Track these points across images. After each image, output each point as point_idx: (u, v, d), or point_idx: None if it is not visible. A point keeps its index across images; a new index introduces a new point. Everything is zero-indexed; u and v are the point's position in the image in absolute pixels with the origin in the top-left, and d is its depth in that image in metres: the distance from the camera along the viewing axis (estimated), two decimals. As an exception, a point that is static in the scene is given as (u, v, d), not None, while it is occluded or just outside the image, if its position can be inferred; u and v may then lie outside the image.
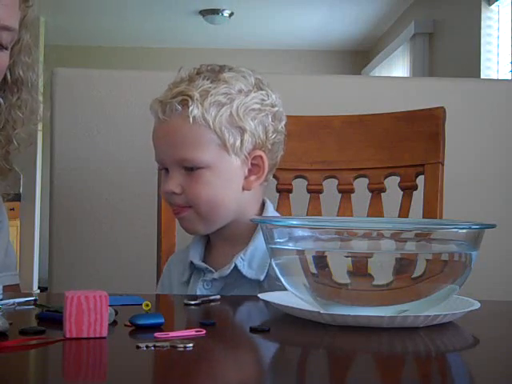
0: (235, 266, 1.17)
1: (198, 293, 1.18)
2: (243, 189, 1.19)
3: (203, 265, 1.21)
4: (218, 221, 1.19)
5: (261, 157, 1.19)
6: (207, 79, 1.17)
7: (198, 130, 1.15)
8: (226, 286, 1.18)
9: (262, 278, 1.16)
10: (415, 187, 1.45)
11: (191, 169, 1.16)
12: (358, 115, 1.51)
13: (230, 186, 1.18)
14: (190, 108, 1.14)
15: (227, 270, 1.17)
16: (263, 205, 1.24)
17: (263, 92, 1.19)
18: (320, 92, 1.82)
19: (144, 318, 0.81)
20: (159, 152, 1.20)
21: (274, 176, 1.38)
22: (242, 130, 1.16)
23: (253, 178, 1.20)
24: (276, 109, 1.21)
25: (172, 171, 1.17)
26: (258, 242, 1.16)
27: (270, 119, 1.19)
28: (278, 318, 0.90)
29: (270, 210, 1.25)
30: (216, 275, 1.18)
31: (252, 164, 1.19)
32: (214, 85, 1.16)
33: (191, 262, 1.22)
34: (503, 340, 0.82)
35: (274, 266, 0.91)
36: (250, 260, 1.17)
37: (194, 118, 1.14)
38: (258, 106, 1.18)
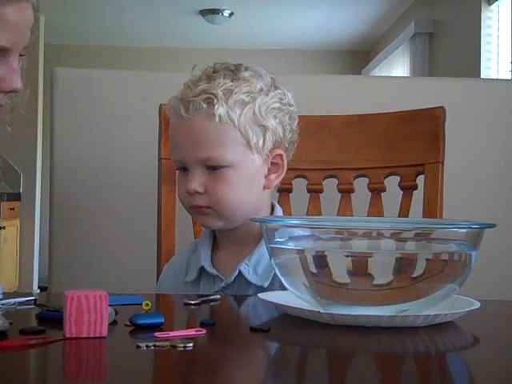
0: (240, 272, 1.16)
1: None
2: (264, 188, 1.20)
3: (215, 272, 1.19)
4: (238, 220, 1.18)
5: (280, 155, 1.20)
6: (227, 78, 1.16)
7: (222, 128, 1.14)
8: (237, 292, 1.17)
9: (266, 284, 1.15)
10: (415, 187, 1.45)
11: (214, 168, 1.15)
12: (357, 115, 1.51)
13: (252, 185, 1.18)
14: (216, 106, 1.13)
15: (232, 277, 1.17)
16: (272, 208, 1.25)
17: (280, 91, 1.20)
18: (320, 92, 1.82)
19: (144, 317, 0.81)
20: (180, 151, 1.18)
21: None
22: (265, 129, 1.17)
23: (273, 176, 1.21)
24: (292, 108, 1.22)
25: (194, 170, 1.16)
26: (264, 247, 1.16)
27: (287, 118, 1.20)
28: (278, 318, 0.90)
29: (279, 212, 1.25)
30: (223, 284, 1.18)
31: (272, 163, 1.20)
32: (236, 83, 1.16)
33: (202, 267, 1.21)
34: (503, 340, 0.82)
35: (274, 265, 0.91)
36: (255, 266, 1.16)
37: (219, 116, 1.14)
38: (278, 105, 1.18)
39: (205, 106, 1.14)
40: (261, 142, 1.17)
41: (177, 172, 1.22)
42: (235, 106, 1.14)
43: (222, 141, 1.15)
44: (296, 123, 1.23)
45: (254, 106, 1.16)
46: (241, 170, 1.16)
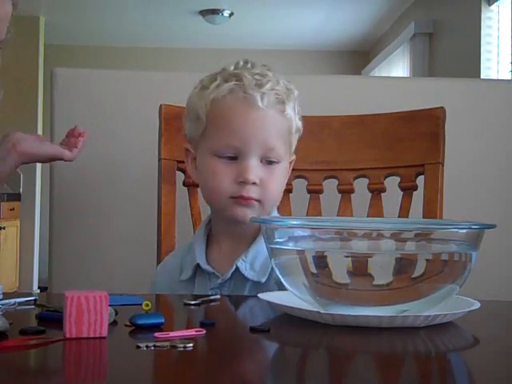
0: (236, 268, 1.17)
1: None
2: None
3: (210, 269, 1.19)
4: (266, 215, 1.20)
5: (293, 161, 1.26)
6: (277, 77, 1.20)
7: (286, 125, 1.19)
8: (234, 289, 1.17)
9: (263, 280, 1.15)
10: (415, 187, 1.45)
11: (269, 162, 1.17)
12: (357, 115, 1.51)
13: (284, 183, 1.23)
14: (287, 103, 1.18)
15: (228, 273, 1.17)
16: None
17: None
18: (320, 92, 1.82)
19: (144, 318, 0.81)
20: (245, 137, 1.16)
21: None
22: (298, 131, 1.23)
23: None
24: None
25: (252, 161, 1.16)
26: (261, 243, 1.16)
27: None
28: (278, 318, 0.90)
29: (274, 212, 1.25)
30: (220, 280, 1.18)
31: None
32: (287, 85, 1.20)
33: (198, 265, 1.21)
34: (503, 340, 0.82)
35: (274, 265, 0.91)
36: (252, 262, 1.17)
37: (287, 113, 1.18)
38: (298, 108, 1.23)
39: (278, 100, 1.17)
40: (295, 143, 1.23)
41: (213, 161, 1.18)
42: (292, 107, 1.20)
43: (283, 137, 1.19)
44: None
45: (296, 108, 1.21)
46: (283, 167, 1.21)
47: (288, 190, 1.47)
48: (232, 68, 1.21)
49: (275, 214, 1.26)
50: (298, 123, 1.22)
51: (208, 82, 1.21)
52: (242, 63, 1.21)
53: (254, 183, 1.15)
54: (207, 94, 1.19)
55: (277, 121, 1.18)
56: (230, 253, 1.20)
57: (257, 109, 1.16)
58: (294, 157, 1.25)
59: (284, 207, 1.45)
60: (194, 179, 1.28)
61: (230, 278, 1.17)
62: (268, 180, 1.17)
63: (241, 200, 1.16)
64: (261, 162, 1.17)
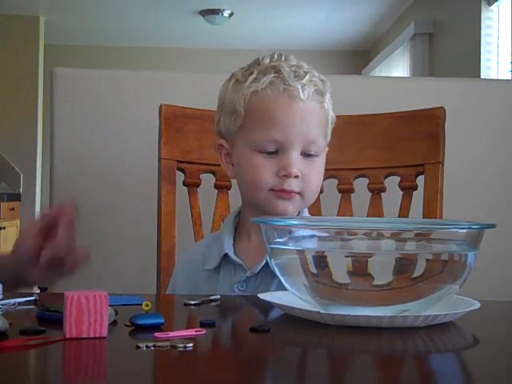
0: (266, 263, 1.14)
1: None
2: None
3: (239, 261, 1.18)
4: (305, 208, 1.20)
5: (327, 152, 1.25)
6: (312, 70, 1.20)
7: (325, 117, 1.20)
8: (259, 283, 1.16)
9: None
10: (415, 187, 1.45)
11: (309, 155, 1.17)
12: (357, 115, 1.51)
13: (322, 176, 1.23)
14: (325, 96, 1.19)
15: (257, 267, 1.16)
16: None
17: None
18: (320, 92, 1.82)
19: (144, 318, 0.81)
20: (288, 130, 1.15)
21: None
22: (332, 123, 1.24)
23: None
24: None
25: (293, 154, 1.15)
26: None
27: None
28: (278, 318, 0.90)
29: (305, 211, 1.24)
30: (248, 273, 1.16)
31: None
32: (321, 76, 1.20)
33: (226, 254, 1.19)
34: (503, 340, 0.82)
35: (274, 266, 0.91)
36: None
37: (325, 105, 1.19)
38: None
39: (317, 92, 1.17)
40: (330, 135, 1.23)
41: (254, 155, 1.17)
42: (328, 99, 1.20)
43: (323, 128, 1.20)
44: None
45: (330, 100, 1.21)
46: (323, 159, 1.21)
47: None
48: (268, 60, 1.20)
49: (306, 214, 1.25)
50: (332, 115, 1.22)
51: (243, 75, 1.19)
52: (276, 56, 1.20)
53: (296, 176, 1.15)
54: (245, 87, 1.17)
55: (317, 112, 1.18)
56: (258, 247, 1.15)
57: (299, 101, 1.15)
58: (327, 148, 1.24)
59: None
60: (230, 175, 1.26)
61: (258, 272, 1.16)
62: (309, 173, 1.16)
63: (283, 193, 1.16)
64: (301, 154, 1.16)
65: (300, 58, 1.22)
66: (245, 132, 1.18)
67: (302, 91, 1.15)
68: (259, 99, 1.16)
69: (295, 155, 1.15)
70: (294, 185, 1.15)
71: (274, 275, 1.13)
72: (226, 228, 1.24)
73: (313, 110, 1.17)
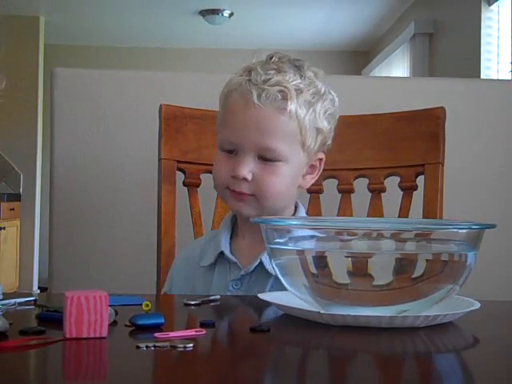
0: (260, 262, 1.16)
1: (228, 293, 1.17)
2: (298, 186, 1.21)
3: (234, 259, 1.19)
4: (272, 212, 1.19)
5: (321, 159, 1.23)
6: (296, 74, 1.17)
7: (288, 123, 1.15)
8: (254, 282, 1.17)
9: None
10: (415, 187, 1.45)
11: (268, 159, 1.16)
12: (357, 115, 1.51)
13: (294, 182, 1.20)
14: (289, 102, 1.14)
15: (252, 266, 1.16)
16: (295, 207, 1.25)
17: (333, 95, 1.22)
18: (320, 92, 1.82)
19: (144, 318, 0.81)
20: (239, 134, 1.16)
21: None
22: (318, 132, 1.19)
23: (309, 177, 1.23)
24: (338, 111, 1.23)
25: (246, 157, 1.15)
26: None
27: (335, 122, 1.22)
28: (278, 318, 0.90)
29: (301, 211, 1.25)
30: (243, 272, 1.17)
31: (311, 165, 1.22)
32: (305, 82, 1.17)
33: (221, 252, 1.20)
34: (503, 340, 0.82)
35: (274, 266, 0.91)
36: None
37: (290, 111, 1.14)
38: (332, 110, 1.21)
39: (279, 97, 1.14)
40: (313, 143, 1.19)
41: (218, 152, 1.20)
42: (303, 105, 1.16)
43: (285, 135, 1.16)
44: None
45: (316, 108, 1.17)
46: (290, 165, 1.17)
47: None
48: (254, 60, 1.20)
49: (302, 212, 1.25)
50: (317, 123, 1.18)
51: (235, 74, 1.20)
52: (273, 56, 1.19)
53: (245, 179, 1.15)
54: (225, 85, 1.20)
55: (279, 120, 1.14)
56: (253, 246, 1.18)
57: (253, 105, 1.14)
58: (320, 155, 1.22)
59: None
60: None
61: (252, 271, 1.17)
62: (262, 176, 1.15)
63: (234, 194, 1.17)
64: (258, 158, 1.16)
65: (306, 61, 1.20)
66: (218, 129, 1.22)
67: (258, 97, 1.14)
68: (228, 99, 1.19)
69: (247, 158, 1.15)
70: (243, 187, 1.16)
71: (268, 275, 1.14)
72: (223, 226, 1.25)
73: (268, 116, 1.14)
